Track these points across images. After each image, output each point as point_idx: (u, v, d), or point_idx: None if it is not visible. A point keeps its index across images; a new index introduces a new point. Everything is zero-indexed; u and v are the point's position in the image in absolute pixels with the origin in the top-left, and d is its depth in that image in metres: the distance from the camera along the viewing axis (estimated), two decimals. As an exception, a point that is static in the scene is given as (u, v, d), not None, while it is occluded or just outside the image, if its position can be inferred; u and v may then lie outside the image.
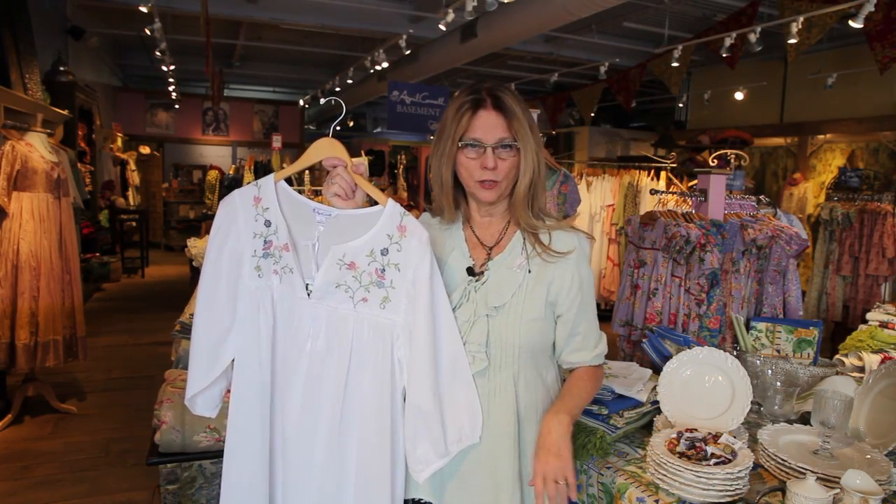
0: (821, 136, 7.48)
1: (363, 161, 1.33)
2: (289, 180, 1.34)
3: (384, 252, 1.24)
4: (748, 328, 2.35)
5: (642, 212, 4.51)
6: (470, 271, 1.32)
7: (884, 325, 2.36)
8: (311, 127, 15.30)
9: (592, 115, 8.45)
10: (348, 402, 1.24)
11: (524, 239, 1.32)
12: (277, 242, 1.27)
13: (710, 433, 1.42)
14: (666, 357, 1.91)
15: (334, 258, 1.25)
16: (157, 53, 6.70)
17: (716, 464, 1.30)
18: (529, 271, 1.29)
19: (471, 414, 1.24)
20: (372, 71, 7.95)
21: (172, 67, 7.87)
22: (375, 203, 1.29)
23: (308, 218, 1.28)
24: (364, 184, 1.30)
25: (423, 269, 1.23)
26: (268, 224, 1.27)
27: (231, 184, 8.96)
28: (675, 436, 1.41)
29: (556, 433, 1.20)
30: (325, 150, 1.29)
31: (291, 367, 1.27)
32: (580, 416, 1.33)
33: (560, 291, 1.29)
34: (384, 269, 1.25)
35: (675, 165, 7.09)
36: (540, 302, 1.28)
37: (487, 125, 1.25)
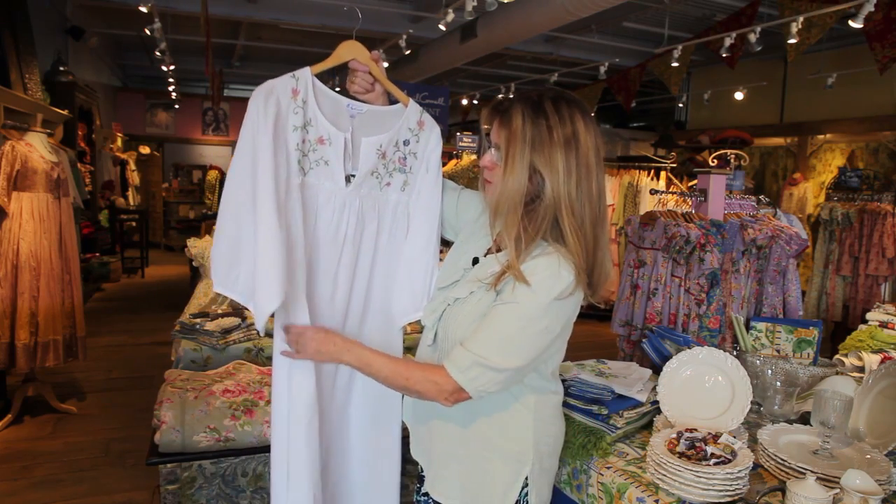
0: (821, 136, 7.48)
1: (380, 54, 1.44)
2: None
3: (406, 143, 1.42)
4: (748, 328, 2.35)
5: (642, 212, 4.51)
6: (475, 262, 1.34)
7: (884, 325, 2.36)
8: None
9: (592, 114, 8.44)
10: (376, 270, 1.44)
11: None
12: (311, 136, 1.34)
13: (710, 433, 1.42)
14: (666, 357, 1.91)
15: (372, 148, 1.38)
16: (157, 53, 6.68)
17: (716, 464, 1.30)
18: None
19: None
20: (372, 71, 7.94)
21: (172, 67, 7.85)
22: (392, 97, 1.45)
23: (342, 112, 1.38)
24: (384, 79, 1.41)
25: (435, 156, 1.45)
26: (304, 117, 1.33)
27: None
28: (675, 436, 1.41)
29: (337, 342, 1.27)
30: (351, 50, 1.39)
31: (333, 254, 1.38)
32: (365, 368, 1.26)
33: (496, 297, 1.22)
34: (405, 157, 1.43)
35: (674, 165, 7.09)
36: (487, 308, 1.23)
37: (494, 127, 1.26)
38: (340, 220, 1.38)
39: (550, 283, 1.17)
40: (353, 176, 1.39)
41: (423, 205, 1.45)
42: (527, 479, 1.30)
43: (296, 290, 1.31)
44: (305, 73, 1.33)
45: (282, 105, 1.30)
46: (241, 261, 1.28)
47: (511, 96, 1.28)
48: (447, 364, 1.19)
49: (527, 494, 1.30)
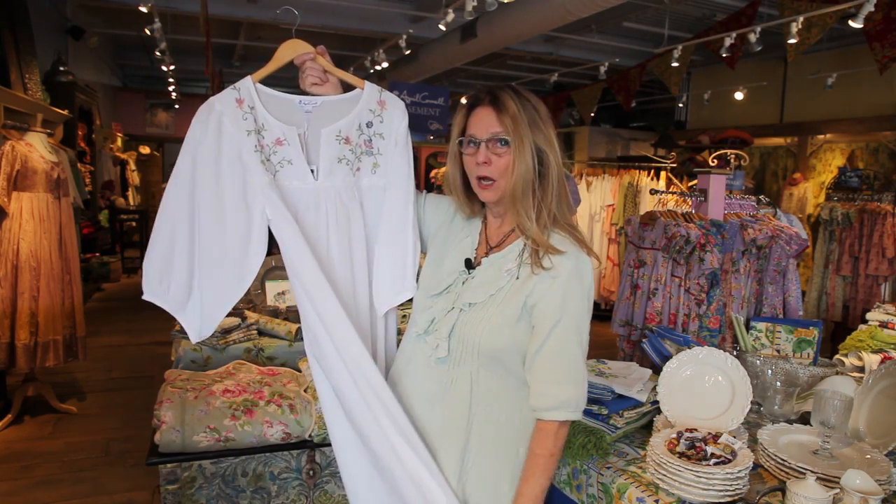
0: (821, 136, 7.48)
1: (324, 49, 1.44)
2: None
3: (369, 125, 1.40)
4: (748, 328, 2.35)
5: (642, 212, 4.51)
6: (468, 263, 1.33)
7: (884, 325, 2.37)
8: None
9: (592, 114, 8.43)
10: (369, 253, 1.41)
11: (524, 247, 1.27)
12: (268, 139, 1.34)
13: (710, 433, 1.42)
14: (666, 357, 1.91)
15: (332, 135, 1.36)
16: (157, 53, 6.67)
17: (716, 464, 1.30)
18: (517, 278, 1.25)
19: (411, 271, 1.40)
20: (372, 71, 7.94)
21: (172, 67, 7.84)
22: (349, 85, 1.44)
23: (294, 109, 1.37)
24: (333, 69, 1.40)
25: (402, 129, 1.42)
26: (255, 121, 1.33)
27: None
28: (675, 436, 1.41)
29: None
30: (293, 49, 1.39)
31: (324, 251, 1.35)
32: (550, 483, 1.24)
33: (537, 305, 1.23)
34: (371, 139, 1.41)
35: (675, 165, 7.09)
36: (514, 310, 1.23)
37: (482, 121, 1.26)
38: (318, 216, 1.35)
39: (582, 269, 1.24)
40: (316, 169, 1.37)
41: (394, 181, 1.41)
42: None
43: (318, 290, 1.28)
44: (246, 82, 1.34)
45: (226, 116, 1.30)
46: (172, 271, 1.30)
47: (481, 91, 1.29)
48: (558, 413, 1.21)
49: None
